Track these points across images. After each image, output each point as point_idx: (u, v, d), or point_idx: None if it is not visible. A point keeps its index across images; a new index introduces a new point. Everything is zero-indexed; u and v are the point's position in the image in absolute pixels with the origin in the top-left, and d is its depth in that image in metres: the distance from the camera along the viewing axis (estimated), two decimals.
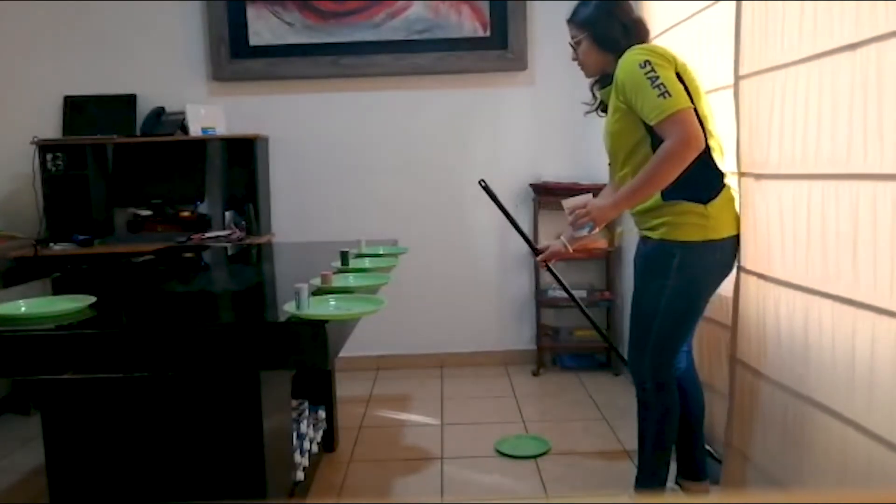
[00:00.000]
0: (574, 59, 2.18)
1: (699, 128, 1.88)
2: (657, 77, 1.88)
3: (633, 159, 2.05)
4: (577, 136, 3.76)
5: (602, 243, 3.59)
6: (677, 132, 1.86)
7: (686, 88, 1.92)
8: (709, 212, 1.96)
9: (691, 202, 1.96)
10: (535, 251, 2.42)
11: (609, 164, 2.24)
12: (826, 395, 1.68)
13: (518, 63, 3.70)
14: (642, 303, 2.10)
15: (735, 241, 2.03)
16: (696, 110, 1.91)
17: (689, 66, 2.00)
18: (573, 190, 3.58)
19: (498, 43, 3.69)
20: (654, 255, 2.06)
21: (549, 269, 2.42)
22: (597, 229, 2.11)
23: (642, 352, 2.09)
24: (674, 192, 1.96)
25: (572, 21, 2.14)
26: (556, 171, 3.74)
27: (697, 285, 2.02)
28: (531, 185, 3.70)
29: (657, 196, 1.99)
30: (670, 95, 1.86)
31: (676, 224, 1.98)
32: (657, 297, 2.03)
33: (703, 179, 1.96)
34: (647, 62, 1.91)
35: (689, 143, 1.86)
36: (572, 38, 2.14)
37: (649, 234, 2.08)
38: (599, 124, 3.69)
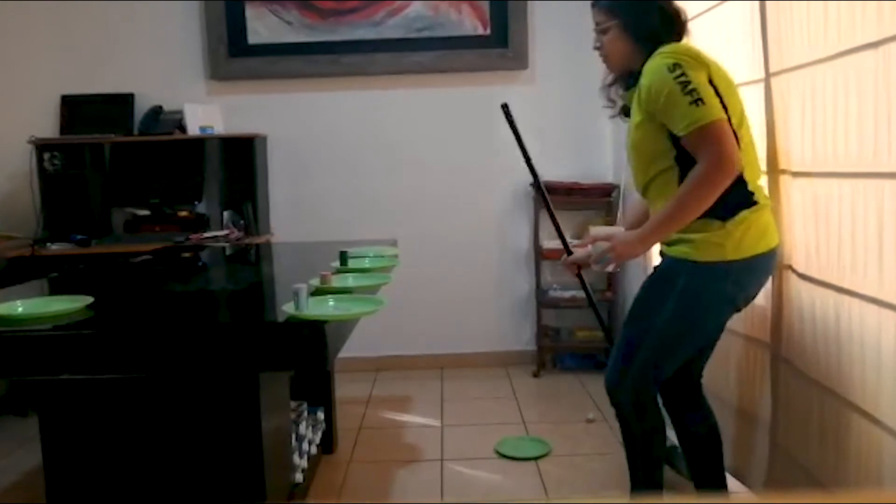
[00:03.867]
0: (596, 49, 1.92)
1: (734, 145, 1.67)
2: (689, 82, 1.66)
3: (656, 179, 1.84)
4: (578, 135, 3.75)
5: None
6: (710, 153, 1.66)
7: (720, 95, 1.70)
8: (727, 230, 1.74)
9: (709, 219, 1.74)
10: (568, 251, 2.08)
11: (634, 178, 1.99)
12: (857, 394, 1.67)
13: (518, 62, 3.68)
14: (640, 313, 1.92)
15: (756, 260, 1.78)
16: (731, 120, 1.71)
17: (721, 67, 1.78)
18: (573, 189, 3.58)
19: (498, 42, 3.67)
20: (664, 272, 1.89)
21: (579, 276, 2.11)
22: (617, 268, 1.90)
23: (626, 368, 1.90)
24: None
25: (598, 5, 1.87)
26: (556, 171, 3.73)
27: (700, 311, 1.82)
28: (531, 184, 3.68)
29: None
30: (703, 104, 1.65)
31: (690, 241, 1.78)
32: (655, 314, 1.85)
33: (726, 195, 1.72)
34: (675, 65, 1.69)
35: (723, 168, 1.66)
36: (597, 24, 1.87)
37: (666, 249, 1.88)
38: (600, 124, 3.73)
